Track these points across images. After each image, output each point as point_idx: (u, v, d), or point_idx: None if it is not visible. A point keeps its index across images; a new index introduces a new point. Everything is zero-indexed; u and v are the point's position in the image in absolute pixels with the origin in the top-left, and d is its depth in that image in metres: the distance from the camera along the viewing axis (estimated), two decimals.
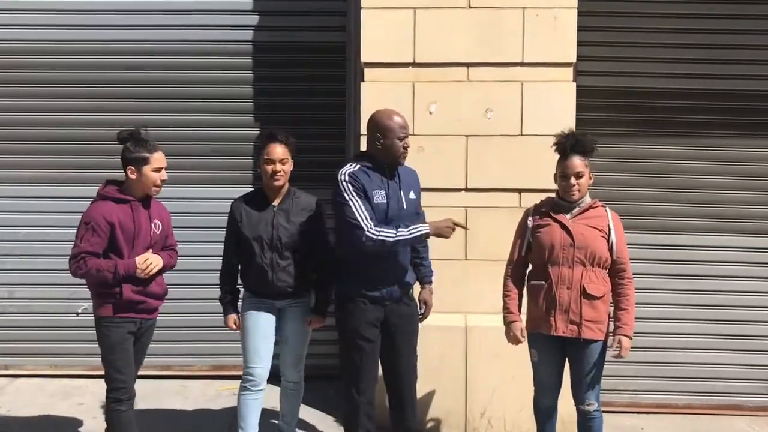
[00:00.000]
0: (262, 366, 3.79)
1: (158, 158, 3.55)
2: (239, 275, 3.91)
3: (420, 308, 3.87)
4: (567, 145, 3.61)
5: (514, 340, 3.74)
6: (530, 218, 3.74)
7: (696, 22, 4.88)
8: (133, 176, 3.53)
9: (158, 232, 3.66)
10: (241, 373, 3.87)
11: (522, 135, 4.52)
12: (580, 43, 4.57)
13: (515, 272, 3.78)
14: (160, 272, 3.67)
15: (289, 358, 3.91)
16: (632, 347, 4.89)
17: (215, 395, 5.01)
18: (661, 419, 4.89)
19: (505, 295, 3.77)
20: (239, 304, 3.92)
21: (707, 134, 4.94)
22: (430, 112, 4.51)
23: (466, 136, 4.50)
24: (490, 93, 4.52)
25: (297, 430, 4.08)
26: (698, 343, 5.00)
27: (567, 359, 3.69)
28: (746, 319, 5.00)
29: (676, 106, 4.92)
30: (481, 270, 4.48)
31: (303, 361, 3.95)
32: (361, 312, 3.57)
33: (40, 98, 5.30)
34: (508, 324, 3.76)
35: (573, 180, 3.59)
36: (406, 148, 3.59)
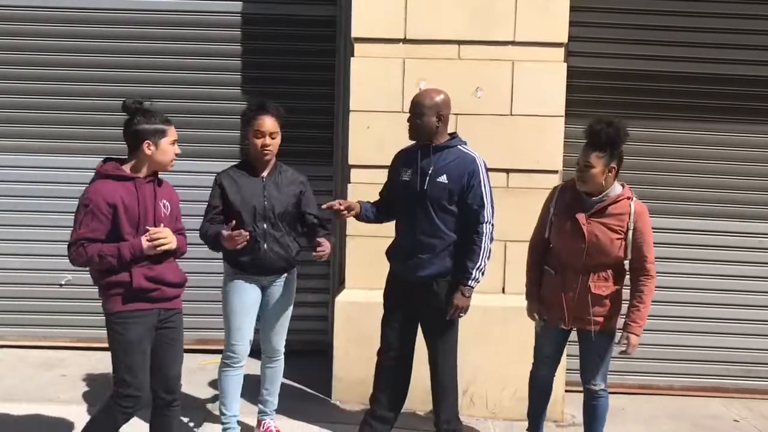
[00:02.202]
0: (244, 343, 3.79)
1: (174, 131, 3.24)
2: (224, 252, 3.75)
3: None
4: (584, 134, 3.54)
5: (530, 316, 3.85)
6: (552, 206, 3.69)
7: (690, 5, 4.86)
8: (149, 151, 3.15)
9: (168, 214, 3.26)
10: (223, 347, 3.86)
11: (512, 115, 4.50)
12: (572, 24, 4.53)
13: (537, 253, 3.79)
14: (173, 255, 3.28)
15: (271, 334, 3.90)
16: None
17: (198, 369, 5.02)
18: (642, 400, 4.96)
19: (526, 274, 3.86)
20: (222, 281, 3.85)
21: (699, 118, 4.94)
22: (420, 89, 4.47)
23: (455, 114, 4.42)
24: (480, 72, 4.49)
25: (279, 404, 4.08)
26: (680, 325, 5.06)
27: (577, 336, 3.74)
28: (727, 303, 5.06)
29: (668, 89, 4.92)
30: None
31: (284, 335, 3.94)
32: None
33: (21, 66, 5.19)
34: (528, 301, 3.85)
35: (579, 172, 3.52)
36: None
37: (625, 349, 3.59)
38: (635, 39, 4.86)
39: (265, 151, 3.68)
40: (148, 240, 3.09)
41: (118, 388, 3.17)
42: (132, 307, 3.14)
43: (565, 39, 4.51)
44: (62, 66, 5.20)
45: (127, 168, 3.19)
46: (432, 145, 3.70)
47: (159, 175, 3.31)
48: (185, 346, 5.21)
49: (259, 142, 3.67)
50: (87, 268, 3.20)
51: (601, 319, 3.58)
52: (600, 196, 3.53)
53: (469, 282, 3.65)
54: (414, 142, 3.78)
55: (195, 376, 4.89)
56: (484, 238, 3.64)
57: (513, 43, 4.48)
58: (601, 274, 3.56)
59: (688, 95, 4.92)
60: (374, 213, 3.90)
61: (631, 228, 3.50)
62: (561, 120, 4.51)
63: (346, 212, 3.71)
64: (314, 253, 3.62)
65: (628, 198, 3.55)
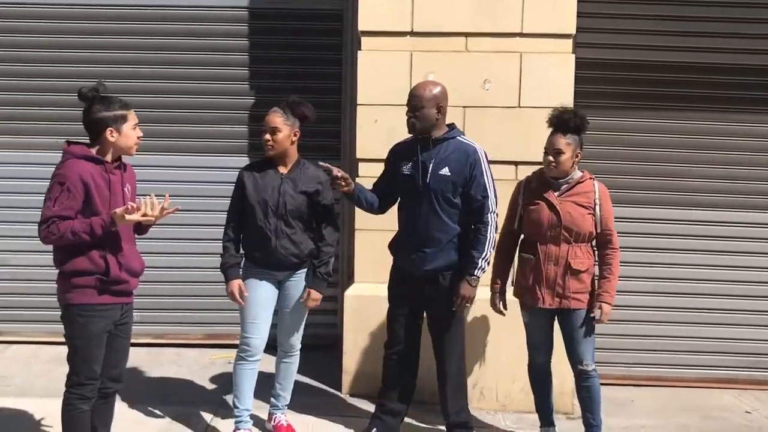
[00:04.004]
0: (258, 336, 3.80)
1: (134, 115, 3.21)
2: (242, 244, 3.86)
3: None
4: (551, 122, 3.72)
5: (494, 309, 3.94)
6: (520, 196, 3.84)
7: None
8: (112, 138, 3.13)
9: (129, 198, 3.28)
10: (234, 342, 3.88)
11: (520, 107, 4.48)
12: (579, 15, 4.51)
13: (506, 243, 3.93)
14: (142, 231, 3.39)
15: (287, 328, 3.91)
16: (625, 321, 4.99)
17: (209, 363, 5.04)
18: (651, 391, 4.94)
19: (493, 264, 3.91)
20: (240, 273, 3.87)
21: (708, 108, 4.91)
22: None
23: (463, 107, 4.46)
24: (488, 64, 4.47)
25: (292, 399, 4.10)
26: (689, 317, 5.04)
27: (558, 322, 3.83)
28: (737, 293, 5.03)
29: (676, 80, 4.89)
30: None
31: (301, 331, 3.95)
32: None
33: (29, 63, 5.23)
34: (492, 293, 3.94)
35: (550, 157, 3.69)
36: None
37: (599, 318, 3.72)
38: (644, 30, 4.82)
39: (267, 146, 3.73)
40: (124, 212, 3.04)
41: (73, 376, 3.18)
42: (99, 300, 3.14)
43: (573, 30, 4.48)
44: (68, 63, 5.22)
45: (93, 152, 3.16)
46: (432, 138, 3.69)
47: (125, 160, 3.29)
48: (195, 341, 5.35)
49: (263, 136, 3.74)
50: (51, 255, 3.20)
51: (579, 296, 3.72)
52: (566, 179, 3.74)
53: (475, 272, 3.67)
54: (411, 135, 3.78)
55: (206, 370, 4.92)
56: (489, 227, 3.67)
57: (521, 34, 4.46)
58: (576, 251, 3.70)
59: (698, 85, 4.89)
60: (367, 201, 3.88)
61: (598, 204, 3.72)
62: None
63: (342, 183, 3.69)
64: (301, 301, 3.82)
65: (591, 178, 3.79)
